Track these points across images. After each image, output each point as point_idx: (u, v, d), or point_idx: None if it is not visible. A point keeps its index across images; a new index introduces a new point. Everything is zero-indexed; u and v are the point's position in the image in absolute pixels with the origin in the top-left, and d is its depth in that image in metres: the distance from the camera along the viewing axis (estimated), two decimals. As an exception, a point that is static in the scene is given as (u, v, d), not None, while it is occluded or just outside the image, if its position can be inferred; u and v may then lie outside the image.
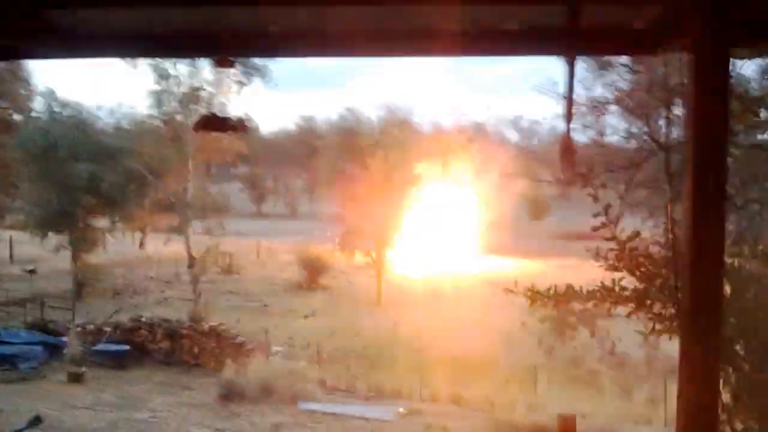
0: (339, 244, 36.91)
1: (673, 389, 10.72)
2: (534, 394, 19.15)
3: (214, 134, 30.09)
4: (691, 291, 2.55)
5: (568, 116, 3.66)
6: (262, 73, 30.59)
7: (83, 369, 19.76)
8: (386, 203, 34.49)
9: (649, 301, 3.09)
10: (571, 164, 3.73)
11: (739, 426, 2.74)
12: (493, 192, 35.96)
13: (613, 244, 4.39)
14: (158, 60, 29.52)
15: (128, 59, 27.20)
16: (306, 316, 30.32)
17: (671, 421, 17.05)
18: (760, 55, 5.99)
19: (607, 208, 3.28)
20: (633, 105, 8.58)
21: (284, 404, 17.79)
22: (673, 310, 2.78)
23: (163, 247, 36.02)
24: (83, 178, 30.91)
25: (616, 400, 19.30)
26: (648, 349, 24.43)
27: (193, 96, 30.34)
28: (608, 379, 21.54)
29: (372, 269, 36.09)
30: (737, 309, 2.85)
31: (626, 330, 25.63)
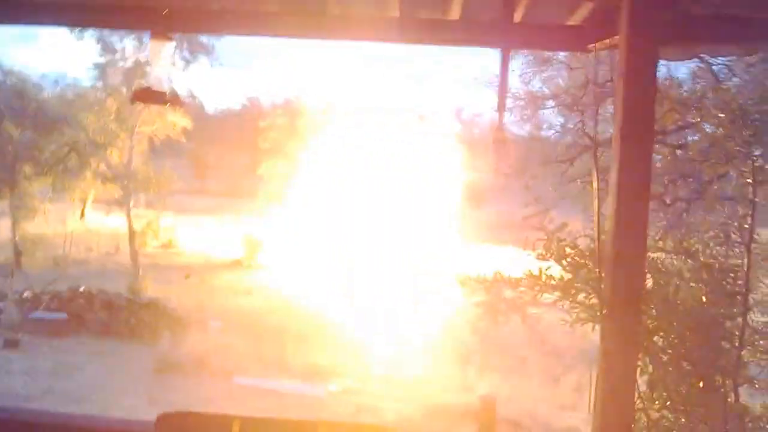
0: (281, 222, 36.89)
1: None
2: (465, 377, 19.53)
3: (153, 107, 29.90)
4: (613, 282, 2.63)
5: (501, 107, 3.78)
6: (207, 51, 30.55)
7: (19, 335, 19.57)
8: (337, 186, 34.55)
9: (573, 291, 3.23)
10: (503, 154, 3.86)
11: (654, 414, 2.91)
12: (434, 179, 36.26)
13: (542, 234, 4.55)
14: (104, 33, 29.19)
15: (74, 31, 26.83)
16: (245, 293, 30.24)
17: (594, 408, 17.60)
18: (690, 57, 6.22)
19: (537, 198, 3.41)
20: (569, 101, 8.81)
21: (219, 378, 17.84)
22: (596, 300, 2.92)
23: (103, 219, 35.57)
24: (25, 147, 30.37)
25: (543, 386, 19.79)
26: (576, 339, 25.07)
27: (138, 70, 29.96)
28: (536, 365, 22.03)
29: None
30: (658, 301, 3.02)
31: (556, 319, 26.33)
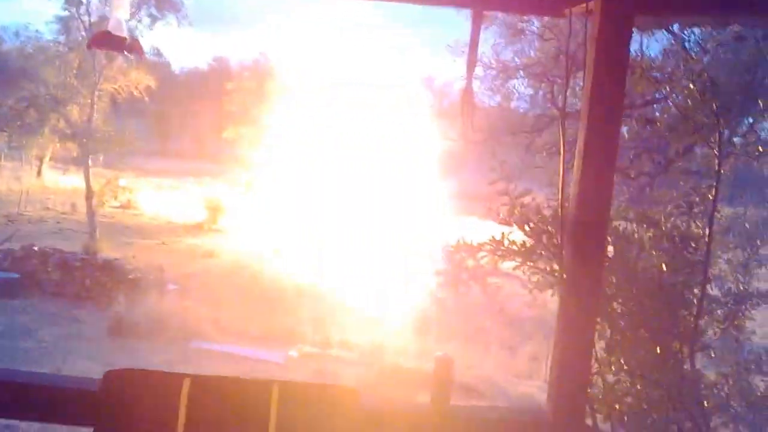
0: (245, 187, 36.70)
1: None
2: (423, 345, 19.68)
3: (116, 63, 29.35)
4: (575, 248, 2.63)
5: (470, 69, 3.72)
6: (176, 9, 30.02)
7: None
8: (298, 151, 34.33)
9: (535, 256, 3.23)
10: (470, 118, 3.81)
11: (610, 378, 2.93)
12: (400, 150, 36.27)
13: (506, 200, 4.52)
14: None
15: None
16: (204, 257, 30.04)
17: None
18: (664, 27, 6.21)
19: (502, 163, 3.39)
20: (539, 72, 8.79)
21: (176, 342, 17.73)
22: (556, 266, 2.93)
23: (61, 178, 35.00)
24: None
25: (501, 354, 20.04)
26: (535, 309, 25.46)
27: (102, 25, 29.30)
28: (495, 335, 22.28)
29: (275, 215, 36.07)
30: (618, 268, 3.03)
31: (515, 289, 26.63)
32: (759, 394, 3.72)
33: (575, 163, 2.66)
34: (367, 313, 24.18)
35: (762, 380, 3.95)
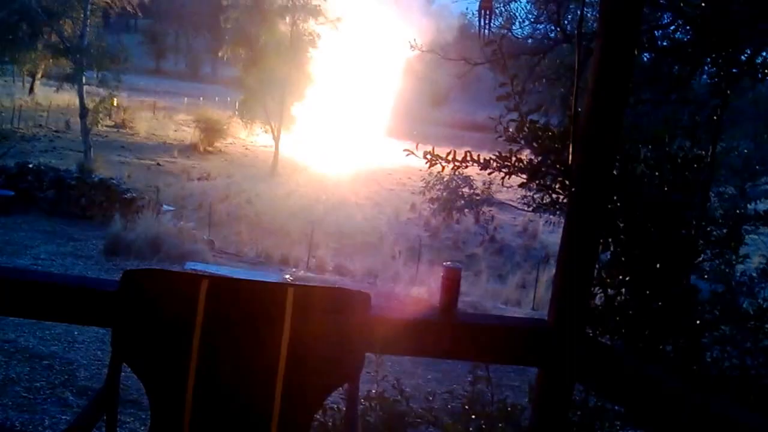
0: (238, 110, 36.31)
1: (543, 277, 11.46)
2: (416, 270, 19.87)
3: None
4: (585, 166, 2.66)
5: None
6: None
7: None
8: (290, 73, 33.90)
9: (541, 174, 3.25)
10: (488, 22, 3.79)
11: (610, 292, 3.02)
12: (397, 72, 35.87)
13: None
14: None
15: None
16: (199, 179, 30.00)
17: (538, 305, 18.19)
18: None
19: (513, 77, 3.39)
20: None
21: (171, 262, 17.72)
22: (566, 182, 2.97)
23: (53, 95, 34.51)
24: None
25: (491, 282, 20.24)
26: (526, 239, 25.77)
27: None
28: (486, 263, 22.50)
29: (270, 139, 35.80)
30: (622, 186, 3.09)
31: (509, 219, 26.81)
32: (749, 315, 3.82)
33: (590, 81, 2.67)
34: (361, 238, 24.35)
35: (751, 302, 4.06)
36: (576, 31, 3.62)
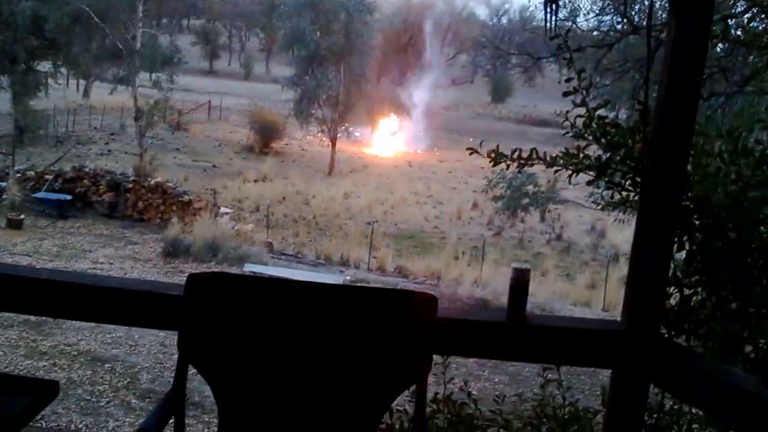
0: (294, 110, 36.37)
1: (613, 277, 11.12)
2: (479, 271, 19.52)
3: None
4: (657, 161, 2.58)
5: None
6: None
7: (22, 216, 19.09)
8: (347, 72, 33.90)
9: (610, 171, 3.14)
10: (555, 15, 3.68)
11: (686, 291, 2.91)
12: (456, 71, 35.64)
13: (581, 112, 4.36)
14: None
15: None
16: (255, 180, 30.09)
17: (609, 305, 17.73)
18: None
19: (581, 72, 3.29)
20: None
21: (229, 265, 17.65)
22: (637, 179, 2.86)
23: (108, 97, 34.75)
24: (26, 17, 28.84)
25: (559, 282, 19.73)
26: (594, 237, 25.22)
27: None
28: (553, 262, 22.01)
29: (326, 139, 35.76)
30: (696, 182, 2.96)
31: (575, 217, 26.30)
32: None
33: (661, 73, 2.57)
34: (423, 238, 24.13)
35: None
36: (645, 22, 3.48)
